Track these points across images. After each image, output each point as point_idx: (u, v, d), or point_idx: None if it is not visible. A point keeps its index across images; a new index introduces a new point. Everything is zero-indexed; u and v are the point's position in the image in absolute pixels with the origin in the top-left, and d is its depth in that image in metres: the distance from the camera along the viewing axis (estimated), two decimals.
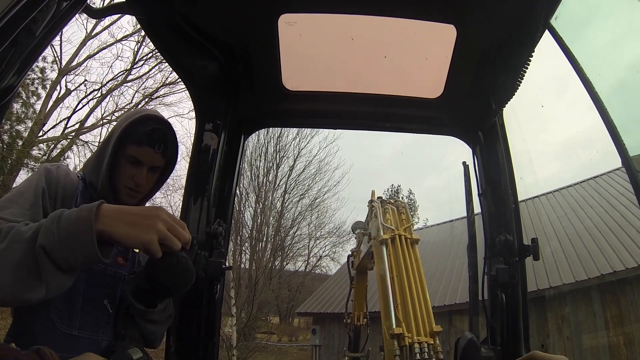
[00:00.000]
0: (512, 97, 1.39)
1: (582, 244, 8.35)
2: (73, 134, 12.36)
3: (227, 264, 1.41)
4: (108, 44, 12.55)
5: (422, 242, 1.83)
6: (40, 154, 11.72)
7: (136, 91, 12.96)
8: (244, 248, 16.17)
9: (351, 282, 3.25)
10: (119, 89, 12.83)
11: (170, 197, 11.89)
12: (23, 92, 10.99)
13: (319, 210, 19.59)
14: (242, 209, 15.19)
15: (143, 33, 11.09)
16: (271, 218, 17.72)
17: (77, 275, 0.90)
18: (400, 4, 1.23)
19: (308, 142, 17.98)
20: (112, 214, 0.87)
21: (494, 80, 1.45)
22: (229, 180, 1.58)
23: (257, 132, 1.87)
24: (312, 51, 1.47)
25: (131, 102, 12.69)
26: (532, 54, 1.24)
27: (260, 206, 16.82)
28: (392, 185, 29.64)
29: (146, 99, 12.85)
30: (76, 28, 12.54)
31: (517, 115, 1.57)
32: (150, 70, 12.79)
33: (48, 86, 11.95)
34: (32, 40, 0.72)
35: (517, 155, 1.54)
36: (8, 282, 0.80)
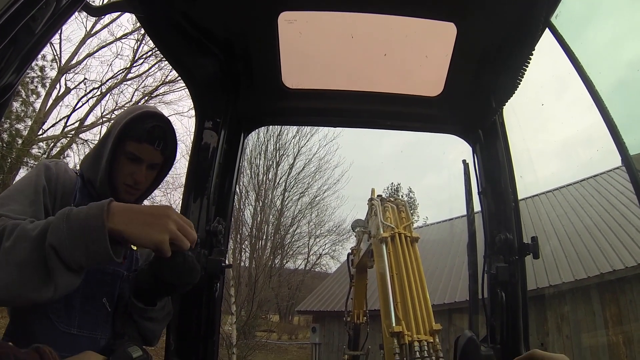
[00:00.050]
0: (512, 96, 1.39)
1: (581, 242, 8.36)
2: (73, 132, 12.35)
3: (227, 262, 1.41)
4: (108, 42, 12.54)
5: (422, 240, 1.83)
6: (40, 152, 11.72)
7: (136, 89, 12.94)
8: (243, 246, 16.22)
9: (351, 280, 3.25)
10: (118, 88, 12.82)
11: (170, 195, 11.90)
12: (23, 91, 10.98)
13: (319, 208, 19.63)
14: (242, 207, 15.20)
15: (143, 31, 11.06)
16: (271, 216, 17.74)
17: None
18: (400, 1, 1.23)
19: (308, 141, 17.99)
20: (123, 212, 0.86)
21: (494, 79, 1.44)
22: (229, 178, 1.58)
23: (256, 130, 1.87)
24: (312, 49, 1.47)
25: (131, 101, 12.66)
26: (533, 52, 1.24)
27: (260, 204, 16.84)
28: (392, 183, 29.63)
29: (146, 97, 12.84)
30: (76, 26, 12.50)
31: (517, 113, 1.57)
32: (150, 68, 12.77)
33: (48, 84, 11.94)
34: (31, 38, 0.72)
35: (517, 153, 1.54)
36: (13, 281, 0.79)
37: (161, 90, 13.14)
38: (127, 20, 12.42)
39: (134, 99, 12.68)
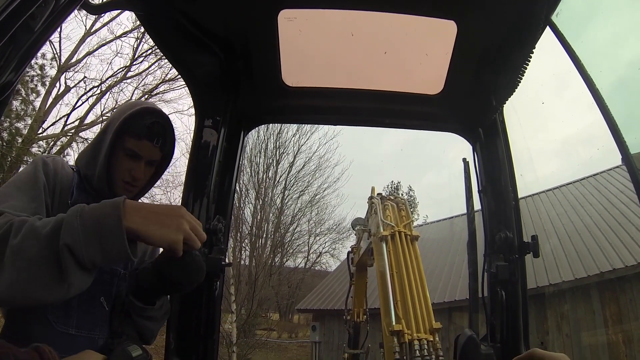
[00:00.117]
0: (512, 94, 1.39)
1: (581, 241, 8.36)
2: (72, 131, 12.34)
3: (226, 261, 1.41)
4: (107, 40, 12.52)
5: (421, 238, 1.84)
6: (40, 151, 11.71)
7: (136, 88, 12.92)
8: (243, 244, 16.21)
9: (351, 278, 3.26)
10: (118, 86, 12.81)
11: (170, 193, 11.90)
12: (22, 89, 10.96)
13: (319, 206, 19.63)
14: (241, 205, 15.19)
15: (142, 29, 11.05)
16: (271, 214, 17.73)
17: None
18: None
19: (308, 139, 17.94)
20: (138, 211, 0.85)
21: (494, 77, 1.44)
22: (229, 176, 1.58)
23: (256, 128, 1.86)
24: (312, 47, 1.47)
25: (131, 99, 12.66)
26: (533, 50, 1.24)
27: (260, 202, 16.82)
28: (392, 181, 29.60)
29: (146, 96, 12.81)
30: (75, 24, 12.47)
31: (517, 112, 1.57)
32: (149, 66, 12.76)
33: (47, 83, 11.93)
34: (30, 36, 0.71)
35: (517, 152, 1.54)
36: (22, 280, 0.76)
37: (161, 88, 13.14)
38: (127, 18, 12.45)
39: (134, 98, 12.66)
